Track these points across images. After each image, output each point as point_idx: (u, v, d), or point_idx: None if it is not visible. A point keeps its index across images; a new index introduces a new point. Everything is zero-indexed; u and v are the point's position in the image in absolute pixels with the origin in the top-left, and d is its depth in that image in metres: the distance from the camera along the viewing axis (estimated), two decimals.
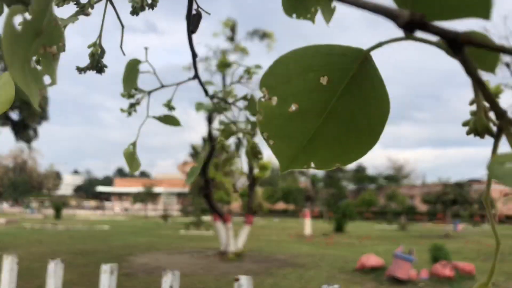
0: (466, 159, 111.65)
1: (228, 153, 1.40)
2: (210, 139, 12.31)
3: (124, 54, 1.04)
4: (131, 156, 1.15)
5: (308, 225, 20.86)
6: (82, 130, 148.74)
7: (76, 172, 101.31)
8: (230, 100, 1.39)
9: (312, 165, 0.58)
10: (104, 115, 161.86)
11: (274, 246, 15.32)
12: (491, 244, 17.78)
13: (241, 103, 1.39)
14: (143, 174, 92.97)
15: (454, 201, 25.95)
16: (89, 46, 0.91)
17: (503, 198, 45.35)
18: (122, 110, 1.26)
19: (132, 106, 1.26)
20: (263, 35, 11.88)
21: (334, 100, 0.49)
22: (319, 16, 0.84)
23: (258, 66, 1.41)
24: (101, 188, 67.12)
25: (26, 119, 17.60)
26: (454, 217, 32.44)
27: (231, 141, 1.42)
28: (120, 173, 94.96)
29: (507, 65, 14.81)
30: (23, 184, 58.09)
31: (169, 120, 1.27)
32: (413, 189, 51.69)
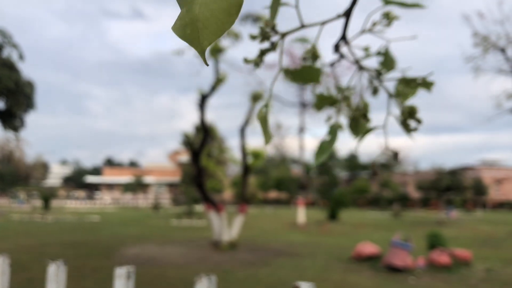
0: (458, 145, 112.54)
1: (352, 109, 1.06)
2: (203, 126, 12.03)
3: None
4: (265, 122, 0.88)
5: (301, 214, 20.76)
6: (69, 119, 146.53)
7: (64, 162, 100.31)
8: (361, 55, 1.05)
9: None
10: (91, 103, 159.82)
11: (268, 235, 15.18)
12: (486, 230, 17.85)
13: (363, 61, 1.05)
14: (133, 164, 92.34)
15: (447, 188, 26.04)
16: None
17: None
18: (246, 61, 0.92)
19: (263, 53, 0.91)
20: (256, 19, 11.56)
21: None
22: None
23: (417, 5, 0.98)
24: (90, 178, 66.52)
25: (13, 107, 17.13)
26: (448, 204, 32.67)
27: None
28: (109, 162, 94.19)
29: (502, 50, 14.65)
30: (10, 174, 57.32)
31: (308, 73, 0.95)
32: (405, 176, 51.97)
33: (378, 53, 1.04)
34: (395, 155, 0.91)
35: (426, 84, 0.95)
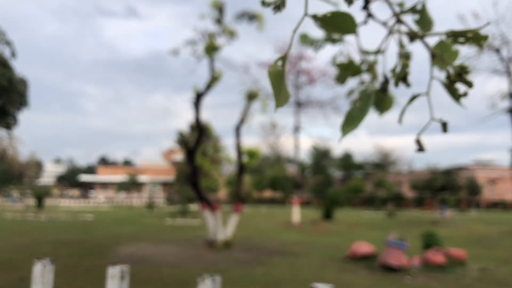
0: (452, 145, 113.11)
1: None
2: (198, 125, 11.97)
3: None
4: (279, 78, 0.74)
5: (296, 213, 20.74)
6: (63, 118, 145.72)
7: (58, 161, 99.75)
8: (396, 10, 0.86)
9: None
10: (85, 102, 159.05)
11: (263, 235, 15.14)
12: (480, 230, 17.91)
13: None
14: (127, 163, 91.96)
15: (441, 187, 26.14)
16: None
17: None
18: (264, 4, 0.78)
19: None
20: (252, 17, 11.51)
21: None
22: None
23: None
24: (84, 177, 66.19)
25: (6, 105, 16.97)
26: (442, 204, 32.81)
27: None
28: (104, 161, 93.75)
29: (497, 50, 14.70)
30: (3, 173, 56.90)
31: (341, 21, 0.78)
32: (400, 176, 52.13)
33: (413, 10, 0.88)
34: (444, 125, 0.80)
35: (478, 38, 0.79)
